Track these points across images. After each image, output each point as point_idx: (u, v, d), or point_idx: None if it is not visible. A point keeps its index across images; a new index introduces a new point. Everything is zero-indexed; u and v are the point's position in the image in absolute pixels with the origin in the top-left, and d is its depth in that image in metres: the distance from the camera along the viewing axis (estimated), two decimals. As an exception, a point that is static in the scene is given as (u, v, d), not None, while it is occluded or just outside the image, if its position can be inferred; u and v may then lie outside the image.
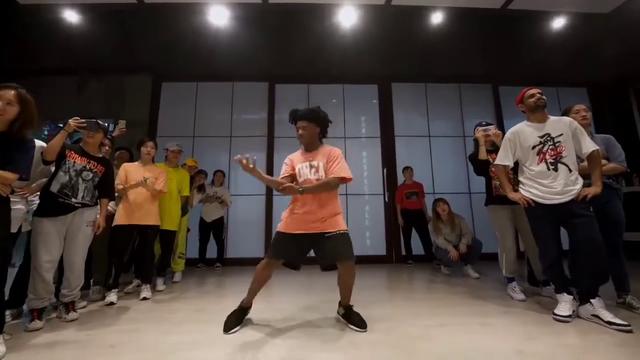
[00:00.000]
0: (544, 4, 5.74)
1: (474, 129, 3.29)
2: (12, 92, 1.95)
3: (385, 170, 5.64)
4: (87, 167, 2.59)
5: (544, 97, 2.53)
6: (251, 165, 2.07)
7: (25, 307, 2.49)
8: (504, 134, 2.93)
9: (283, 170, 2.42)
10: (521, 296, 2.87)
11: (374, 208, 5.58)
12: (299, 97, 5.86)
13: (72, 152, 2.55)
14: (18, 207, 2.33)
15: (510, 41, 6.11)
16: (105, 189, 2.74)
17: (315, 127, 2.36)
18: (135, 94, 5.78)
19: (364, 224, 5.57)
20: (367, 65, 5.91)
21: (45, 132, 6.03)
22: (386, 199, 5.54)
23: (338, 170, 2.25)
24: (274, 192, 5.46)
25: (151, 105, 5.74)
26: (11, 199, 2.25)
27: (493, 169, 3.14)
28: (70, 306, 2.48)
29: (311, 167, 2.31)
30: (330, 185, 2.22)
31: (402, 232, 5.21)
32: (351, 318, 2.30)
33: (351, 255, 2.21)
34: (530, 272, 3.32)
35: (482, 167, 3.20)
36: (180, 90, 5.86)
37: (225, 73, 5.83)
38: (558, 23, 5.99)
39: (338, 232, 2.22)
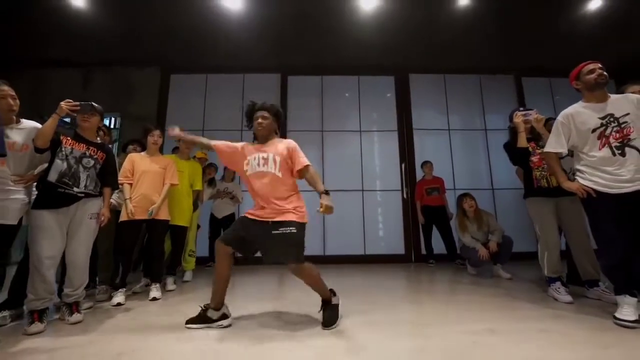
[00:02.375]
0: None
1: (512, 114, 3.02)
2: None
3: (403, 165, 5.37)
4: (87, 153, 2.36)
5: (605, 72, 2.24)
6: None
7: (25, 308, 2.26)
8: None
9: (230, 143, 2.41)
10: (568, 298, 2.59)
11: (392, 205, 5.31)
12: (312, 89, 5.61)
13: (68, 138, 2.33)
14: (18, 197, 2.11)
15: (534, 29, 5.79)
16: (107, 177, 2.52)
17: (273, 122, 2.34)
18: (143, 87, 5.60)
19: (380, 220, 5.30)
20: (384, 56, 5.63)
21: (51, 127, 5.85)
22: (405, 195, 5.27)
23: (301, 159, 2.22)
24: (287, 188, 5.20)
25: (159, 98, 5.54)
26: (9, 188, 2.05)
27: (534, 158, 2.88)
28: (74, 307, 2.25)
29: (262, 159, 2.21)
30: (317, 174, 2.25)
31: (423, 230, 4.95)
32: (324, 312, 2.19)
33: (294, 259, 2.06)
34: (572, 271, 3.04)
35: (520, 156, 2.93)
36: (189, 83, 5.65)
37: (235, 64, 5.61)
38: (592, 4, 5.61)
39: (284, 231, 2.08)
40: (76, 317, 2.19)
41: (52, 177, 2.19)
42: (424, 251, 4.97)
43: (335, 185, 5.03)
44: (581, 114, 2.28)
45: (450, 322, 2.17)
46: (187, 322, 2.15)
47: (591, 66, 2.29)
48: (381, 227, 5.27)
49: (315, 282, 2.17)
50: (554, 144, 2.38)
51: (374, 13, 5.09)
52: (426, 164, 4.95)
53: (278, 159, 2.18)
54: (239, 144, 2.39)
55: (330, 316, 2.11)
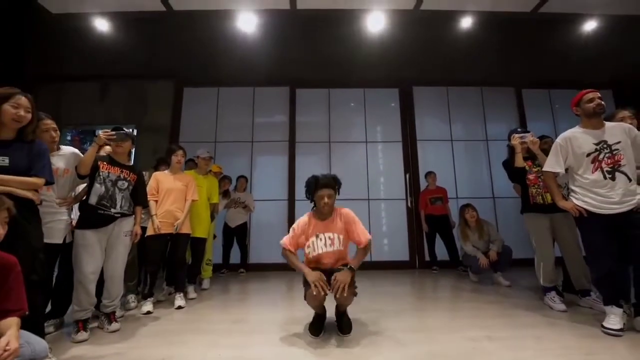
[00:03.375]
0: (575, 6, 5.62)
1: (509, 135, 3.24)
2: (25, 98, 1.87)
3: (407, 175, 5.59)
4: (122, 176, 2.59)
5: (603, 102, 2.45)
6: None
7: (64, 317, 2.50)
8: None
9: (294, 240, 2.44)
10: (562, 306, 2.81)
11: (396, 213, 5.53)
12: (320, 101, 5.84)
13: (104, 163, 2.55)
14: (62, 218, 2.35)
15: (534, 43, 6.02)
16: (138, 196, 2.74)
17: (335, 196, 2.42)
18: (157, 100, 5.83)
19: (385, 228, 5.52)
20: (389, 69, 5.86)
21: (69, 137, 6.12)
22: (409, 204, 5.49)
23: (363, 233, 2.35)
24: (297, 197, 5.44)
25: (173, 110, 5.76)
26: (55, 211, 2.27)
27: (530, 176, 3.10)
28: (112, 317, 2.49)
29: (329, 239, 2.35)
30: (368, 252, 2.37)
31: (427, 238, 5.16)
32: (341, 319, 2.36)
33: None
34: (567, 280, 3.26)
35: (517, 175, 3.16)
36: (201, 95, 5.86)
37: (246, 78, 5.83)
38: (588, 26, 5.87)
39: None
40: (115, 325, 2.44)
41: (93, 200, 2.42)
42: (427, 258, 5.18)
43: (342, 194, 5.19)
44: (578, 138, 2.49)
45: (453, 329, 2.39)
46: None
47: (591, 95, 2.48)
48: (386, 234, 5.49)
49: (348, 304, 2.33)
50: (553, 164, 2.59)
51: (380, 32, 5.34)
52: (430, 174, 5.17)
53: (342, 237, 2.37)
54: (299, 232, 2.43)
55: (347, 324, 2.33)
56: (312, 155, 5.72)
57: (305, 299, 2.30)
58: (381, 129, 5.88)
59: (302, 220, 2.47)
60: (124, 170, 2.63)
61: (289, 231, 5.24)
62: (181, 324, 2.63)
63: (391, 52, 5.75)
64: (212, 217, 4.06)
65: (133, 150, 3.32)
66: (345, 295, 2.13)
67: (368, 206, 5.47)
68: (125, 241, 2.59)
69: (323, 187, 2.35)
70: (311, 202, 2.51)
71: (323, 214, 2.40)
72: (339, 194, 2.48)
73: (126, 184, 2.61)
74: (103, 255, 2.46)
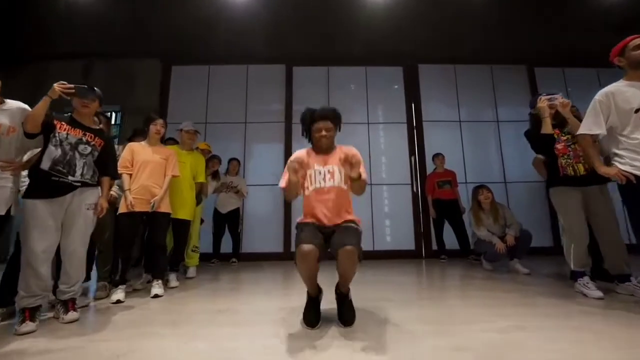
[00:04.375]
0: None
1: (536, 99, 2.83)
2: None
3: (413, 158, 5.20)
4: (84, 139, 2.19)
5: None
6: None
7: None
8: None
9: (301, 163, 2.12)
10: (598, 293, 2.41)
11: (401, 199, 5.14)
12: (318, 80, 5.44)
13: (63, 123, 2.15)
14: (6, 185, 1.95)
15: (547, 17, 5.60)
16: (106, 166, 2.35)
17: (335, 130, 2.16)
18: (144, 79, 5.48)
19: (389, 215, 5.13)
20: (392, 45, 5.46)
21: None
22: (414, 189, 5.10)
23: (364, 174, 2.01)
24: (293, 182, 5.05)
25: (161, 90, 5.39)
26: (-2, 177, 1.88)
27: (559, 146, 2.70)
28: (69, 305, 2.08)
29: (327, 172, 2.05)
30: (363, 188, 2.02)
31: (434, 225, 4.77)
32: (342, 307, 1.98)
33: (354, 243, 1.83)
34: (596, 266, 2.87)
35: (545, 144, 2.75)
36: (191, 74, 5.48)
37: (239, 55, 5.44)
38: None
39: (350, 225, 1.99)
40: (72, 315, 2.03)
41: (45, 164, 2.03)
42: (435, 246, 4.80)
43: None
44: (624, 92, 2.11)
45: (470, 319, 1.99)
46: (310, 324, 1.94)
47: (638, 41, 2.10)
48: (390, 222, 5.10)
49: (352, 271, 1.89)
50: (590, 125, 2.21)
51: (383, 4, 4.93)
52: (438, 156, 4.78)
53: (343, 172, 2.03)
54: (303, 156, 2.12)
55: (350, 313, 1.93)
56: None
57: (295, 263, 1.88)
58: (384, 109, 5.48)
59: (299, 152, 2.16)
60: (88, 134, 2.23)
61: (284, 218, 4.97)
62: (156, 313, 2.24)
63: (392, 26, 5.33)
64: (199, 200, 3.67)
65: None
66: (358, 172, 1.85)
67: (370, 191, 5.08)
68: (87, 215, 2.19)
69: (320, 119, 2.08)
70: (308, 140, 2.21)
71: (322, 148, 2.12)
72: (339, 130, 2.19)
73: (89, 148, 2.22)
74: (58, 231, 2.07)
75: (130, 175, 2.76)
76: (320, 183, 2.04)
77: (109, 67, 5.47)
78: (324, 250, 1.88)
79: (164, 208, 2.83)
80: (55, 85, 2.04)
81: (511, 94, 5.60)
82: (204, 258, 4.38)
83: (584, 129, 2.27)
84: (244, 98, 5.43)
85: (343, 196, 2.06)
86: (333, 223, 2.00)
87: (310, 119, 2.12)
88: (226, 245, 4.63)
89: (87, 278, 2.83)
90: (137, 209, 2.67)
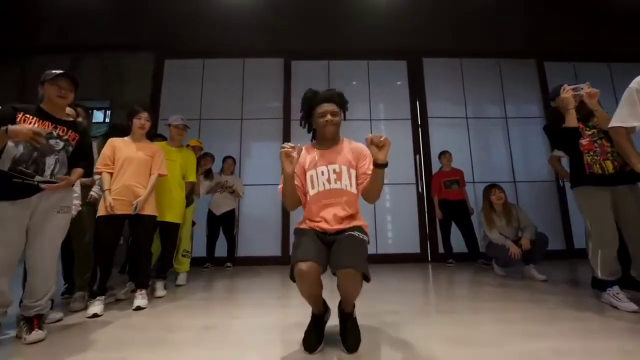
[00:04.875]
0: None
1: (558, 90, 2.57)
2: None
3: (418, 157, 4.94)
4: (55, 133, 1.92)
5: None
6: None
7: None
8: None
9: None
10: (632, 306, 2.15)
11: (406, 199, 4.88)
12: (318, 75, 5.18)
13: (28, 116, 1.87)
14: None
15: (557, 8, 5.35)
16: (78, 162, 2.05)
17: (341, 118, 1.80)
18: (136, 73, 5.21)
19: (392, 216, 4.87)
20: (395, 38, 5.20)
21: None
22: (419, 189, 4.84)
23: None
24: (292, 182, 4.79)
25: (153, 85, 5.12)
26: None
27: (583, 141, 2.44)
28: (35, 322, 1.81)
29: (332, 172, 1.71)
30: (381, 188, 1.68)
31: (441, 227, 4.51)
32: (346, 330, 1.65)
33: (357, 262, 1.50)
34: (625, 274, 2.61)
35: (568, 139, 2.48)
36: (185, 68, 5.21)
37: (235, 48, 5.18)
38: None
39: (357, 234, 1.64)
40: (36, 334, 1.76)
41: (4, 164, 1.76)
42: (441, 250, 4.54)
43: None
44: None
45: (501, 339, 1.73)
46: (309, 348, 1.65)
47: None
48: (394, 224, 4.85)
49: (355, 294, 1.60)
50: (625, 117, 1.96)
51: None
52: (444, 154, 4.52)
53: (353, 172, 1.73)
54: (303, 151, 1.76)
55: (354, 337, 1.63)
56: (308, 135, 5.04)
57: (292, 279, 1.57)
58: (387, 105, 5.22)
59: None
60: (60, 127, 1.96)
61: (282, 220, 4.70)
62: (135, 331, 1.98)
63: (398, 17, 5.07)
64: (191, 201, 3.41)
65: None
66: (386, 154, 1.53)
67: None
68: (58, 220, 1.93)
69: (324, 101, 1.74)
70: (309, 130, 1.88)
71: (326, 139, 1.78)
72: (345, 117, 1.84)
73: (61, 144, 1.95)
74: (22, 237, 1.80)
75: (112, 174, 2.49)
76: (324, 185, 1.72)
77: (99, 60, 5.22)
78: (327, 262, 1.58)
79: (149, 210, 2.56)
80: (26, 129, 1.70)
81: (520, 90, 5.35)
82: (197, 262, 4.14)
83: (618, 120, 2.01)
84: (240, 93, 5.17)
85: (352, 202, 1.73)
86: (336, 230, 1.69)
87: (312, 102, 1.78)
88: (221, 249, 4.37)
89: (71, 291, 2.60)
90: (117, 212, 2.39)
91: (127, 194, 2.47)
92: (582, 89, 2.42)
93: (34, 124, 1.87)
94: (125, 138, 2.67)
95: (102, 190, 2.54)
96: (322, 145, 1.81)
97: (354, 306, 1.70)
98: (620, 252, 2.37)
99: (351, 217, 1.73)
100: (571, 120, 2.41)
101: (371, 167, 1.61)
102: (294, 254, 1.57)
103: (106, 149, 2.53)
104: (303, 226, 1.77)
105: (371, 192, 1.67)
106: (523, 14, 5.27)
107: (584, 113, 2.52)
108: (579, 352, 1.54)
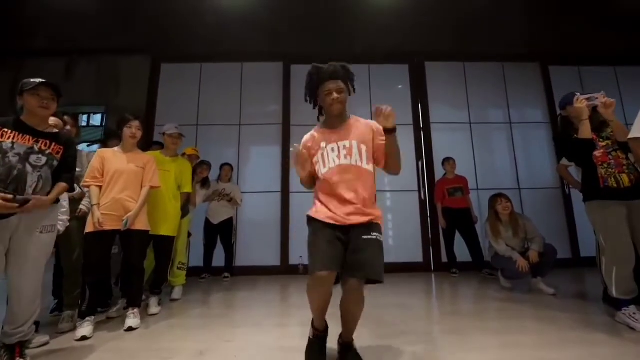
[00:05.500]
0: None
1: (569, 99, 2.46)
2: None
3: (420, 163, 4.83)
4: (36, 148, 1.80)
5: None
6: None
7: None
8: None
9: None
10: (649, 328, 2.05)
11: (407, 207, 4.77)
12: (319, 79, 5.07)
13: (6, 130, 1.74)
14: None
15: (562, 12, 5.23)
16: (61, 174, 1.90)
17: (347, 95, 1.74)
18: (132, 78, 5.10)
19: (394, 224, 4.76)
20: (397, 41, 5.08)
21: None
22: (422, 196, 4.73)
23: None
24: (291, 189, 4.69)
25: (149, 89, 5.02)
26: None
27: (597, 153, 2.33)
28: (16, 350, 1.70)
29: (343, 148, 1.66)
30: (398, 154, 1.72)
31: (444, 236, 4.40)
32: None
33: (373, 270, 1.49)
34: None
35: (582, 151, 2.37)
36: (181, 73, 5.11)
37: (233, 52, 5.08)
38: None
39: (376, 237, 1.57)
40: (18, 364, 1.65)
41: None
42: (445, 259, 4.43)
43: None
44: None
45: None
46: None
47: None
48: (396, 232, 4.73)
49: (360, 315, 1.56)
50: None
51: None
52: (448, 161, 4.41)
53: (364, 147, 1.67)
54: (304, 143, 1.79)
55: None
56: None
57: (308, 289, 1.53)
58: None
59: (304, 138, 1.82)
60: (42, 140, 1.84)
61: (281, 228, 4.59)
62: (125, 356, 1.86)
63: (400, 20, 4.93)
64: (187, 211, 3.29)
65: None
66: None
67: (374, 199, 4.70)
68: (41, 241, 1.80)
69: (329, 77, 1.70)
70: (315, 106, 1.83)
71: (333, 116, 1.73)
72: (353, 91, 1.78)
73: (44, 158, 1.82)
74: (2, 260, 1.68)
75: (101, 187, 2.37)
76: (334, 161, 1.66)
77: (94, 64, 5.11)
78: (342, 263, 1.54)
79: (140, 225, 2.43)
80: None
81: (524, 94, 5.25)
82: (195, 272, 4.03)
83: (638, 131, 1.90)
84: (239, 98, 5.06)
85: (365, 179, 1.64)
86: (350, 222, 1.58)
87: (317, 79, 1.73)
88: (218, 259, 4.25)
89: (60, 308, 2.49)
90: (107, 227, 2.27)
91: (117, 209, 2.35)
92: (596, 98, 2.31)
93: (13, 138, 1.75)
94: (115, 149, 2.55)
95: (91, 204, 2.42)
96: (330, 123, 1.77)
97: (353, 337, 1.63)
98: (636, 270, 2.27)
99: (364, 202, 1.61)
100: (585, 132, 2.30)
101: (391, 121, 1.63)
102: (311, 259, 1.52)
103: (94, 161, 2.41)
104: (316, 215, 1.64)
105: (391, 159, 1.69)
106: (527, 17, 5.15)
107: (596, 123, 2.42)
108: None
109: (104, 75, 5.09)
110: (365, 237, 1.54)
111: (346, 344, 1.61)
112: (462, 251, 4.30)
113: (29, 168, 1.76)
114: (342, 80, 1.73)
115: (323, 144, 1.71)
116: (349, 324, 1.56)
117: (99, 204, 2.31)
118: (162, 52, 5.09)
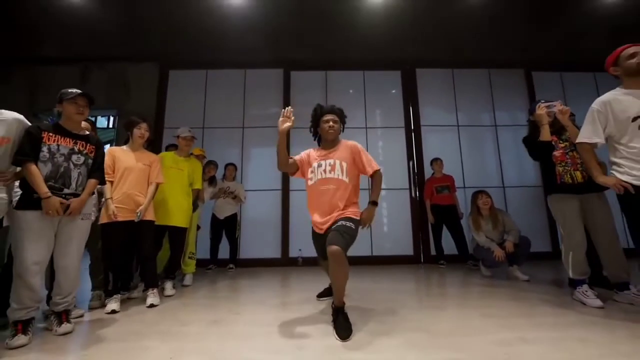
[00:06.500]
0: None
1: (534, 106, 2.81)
2: None
3: (411, 163, 5.18)
4: (76, 149, 2.15)
5: None
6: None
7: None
8: None
9: (297, 157, 2.45)
10: (598, 302, 2.40)
11: (399, 204, 5.11)
12: (316, 85, 5.43)
13: (51, 134, 2.08)
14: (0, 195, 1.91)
15: (544, 21, 5.59)
16: (94, 172, 2.25)
17: (340, 125, 2.41)
18: (141, 84, 5.43)
19: (387, 220, 5.11)
20: (390, 49, 5.42)
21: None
22: (413, 194, 5.08)
23: (369, 162, 2.31)
24: (291, 187, 5.03)
25: (158, 94, 5.35)
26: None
27: (556, 153, 2.69)
28: (63, 316, 2.06)
29: (329, 165, 2.26)
30: (381, 181, 2.38)
31: (432, 230, 4.75)
32: (337, 321, 2.00)
33: (343, 244, 1.99)
34: (597, 273, 2.85)
35: (543, 151, 2.73)
36: (188, 79, 5.45)
37: (236, 59, 5.43)
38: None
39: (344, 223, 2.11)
40: (65, 327, 2.00)
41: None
42: (433, 252, 4.77)
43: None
44: (621, 101, 2.10)
45: (477, 331, 1.97)
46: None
47: (632, 50, 2.10)
48: (388, 227, 5.08)
49: (343, 278, 2.03)
50: (589, 134, 2.19)
51: (380, 5, 4.89)
52: (436, 161, 4.76)
53: (345, 165, 2.24)
54: (305, 156, 2.42)
55: (346, 326, 1.93)
56: (308, 143, 5.26)
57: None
58: (382, 114, 5.47)
59: (304, 151, 2.47)
60: (79, 142, 2.19)
61: (282, 224, 4.93)
62: (148, 325, 2.21)
63: (392, 30, 5.28)
64: (196, 206, 3.64)
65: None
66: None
67: (368, 196, 5.04)
68: (82, 226, 2.17)
69: (328, 112, 2.36)
70: (314, 135, 2.49)
71: (328, 141, 2.36)
72: (343, 130, 2.46)
73: (82, 158, 2.18)
74: (51, 241, 2.03)
75: (112, 182, 2.69)
76: (321, 174, 2.24)
77: (106, 71, 5.44)
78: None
79: (149, 216, 2.78)
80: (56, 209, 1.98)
81: (509, 98, 5.60)
82: (201, 264, 4.35)
83: (583, 137, 2.26)
84: (242, 102, 5.41)
85: (344, 188, 2.21)
86: (327, 226, 2.18)
87: (319, 113, 2.37)
88: (224, 251, 4.60)
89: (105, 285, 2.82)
90: (120, 219, 2.60)
91: (129, 202, 2.68)
92: (554, 106, 2.66)
93: (57, 141, 2.09)
94: (124, 147, 2.86)
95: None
96: (324, 146, 2.39)
97: (344, 303, 2.01)
98: (590, 254, 2.62)
99: (344, 205, 2.21)
100: (545, 135, 2.66)
101: (363, 164, 2.29)
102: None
103: (106, 159, 2.66)
104: (313, 226, 2.36)
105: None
106: (512, 26, 5.50)
107: (558, 127, 2.77)
108: (539, 340, 1.78)
109: (115, 81, 5.42)
110: (333, 227, 2.11)
111: (337, 307, 2.00)
112: (449, 244, 4.64)
113: (71, 166, 2.12)
114: (337, 115, 2.37)
115: (315, 162, 2.31)
116: (335, 291, 2.00)
117: (112, 197, 2.63)
118: (170, 59, 5.43)
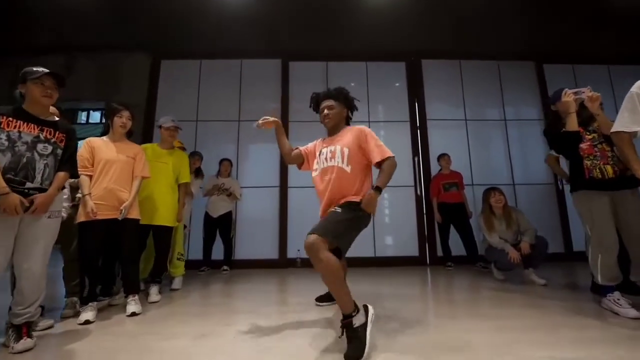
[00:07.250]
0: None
1: (559, 93, 2.53)
2: None
3: (416, 159, 4.91)
4: (41, 136, 1.87)
5: None
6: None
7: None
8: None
9: (303, 147, 2.33)
10: (633, 312, 2.12)
11: (403, 202, 4.84)
12: (316, 76, 5.15)
13: (11, 119, 1.79)
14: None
15: (556, 11, 5.31)
16: (63, 164, 1.96)
17: (342, 108, 2.19)
18: (131, 74, 5.16)
19: (390, 219, 4.84)
20: (394, 39, 5.15)
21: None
22: (418, 192, 4.81)
23: (378, 149, 1.98)
24: (290, 184, 4.76)
25: (149, 86, 5.08)
26: None
27: (583, 145, 2.41)
28: (24, 330, 1.77)
29: (329, 152, 2.06)
30: (393, 169, 1.98)
31: (439, 230, 4.48)
32: (346, 337, 1.61)
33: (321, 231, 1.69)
34: (625, 279, 2.58)
35: (569, 142, 2.45)
36: (181, 69, 5.17)
37: (232, 49, 5.14)
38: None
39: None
40: (25, 343, 1.71)
41: None
42: (440, 253, 4.50)
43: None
44: None
45: (501, 345, 1.70)
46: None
47: None
48: (393, 226, 4.81)
49: (330, 277, 1.63)
50: (627, 122, 1.92)
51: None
52: (443, 156, 4.49)
53: (347, 151, 1.99)
54: (311, 146, 2.29)
55: (356, 347, 1.54)
56: (308, 137, 4.98)
57: None
58: (386, 107, 5.19)
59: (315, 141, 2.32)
60: (46, 128, 1.90)
61: (280, 222, 4.66)
62: (125, 339, 1.93)
63: (397, 18, 5.00)
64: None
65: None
66: None
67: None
68: (48, 225, 1.89)
69: (323, 99, 2.17)
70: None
71: (327, 129, 2.21)
72: (351, 113, 2.26)
73: (50, 147, 1.90)
74: (11, 243, 1.75)
75: (90, 176, 2.40)
76: (323, 164, 2.07)
77: (95, 61, 5.16)
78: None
79: (132, 214, 2.49)
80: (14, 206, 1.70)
81: (519, 92, 5.33)
82: (194, 265, 4.10)
83: (620, 125, 1.98)
84: (238, 94, 5.13)
85: (344, 177, 1.98)
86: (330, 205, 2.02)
87: (315, 103, 2.21)
88: (218, 252, 4.32)
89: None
90: (100, 217, 2.32)
91: (110, 199, 2.39)
92: (583, 92, 2.39)
93: (19, 127, 1.81)
94: (104, 138, 2.57)
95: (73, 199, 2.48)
96: (328, 134, 2.22)
97: (351, 311, 1.63)
98: (620, 257, 2.35)
99: (346, 196, 1.96)
100: (572, 124, 2.38)
101: (370, 151, 1.98)
102: None
103: (83, 151, 2.41)
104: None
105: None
106: (522, 16, 5.22)
107: (584, 117, 2.50)
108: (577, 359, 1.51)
109: (104, 71, 5.15)
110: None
111: (344, 316, 1.62)
112: (456, 245, 4.38)
113: (36, 156, 1.84)
114: (334, 98, 2.14)
115: (319, 150, 2.15)
116: (334, 297, 1.69)
117: (90, 193, 2.34)
118: (162, 48, 5.15)
